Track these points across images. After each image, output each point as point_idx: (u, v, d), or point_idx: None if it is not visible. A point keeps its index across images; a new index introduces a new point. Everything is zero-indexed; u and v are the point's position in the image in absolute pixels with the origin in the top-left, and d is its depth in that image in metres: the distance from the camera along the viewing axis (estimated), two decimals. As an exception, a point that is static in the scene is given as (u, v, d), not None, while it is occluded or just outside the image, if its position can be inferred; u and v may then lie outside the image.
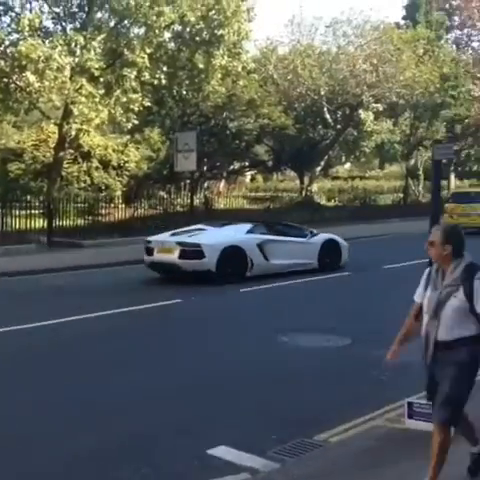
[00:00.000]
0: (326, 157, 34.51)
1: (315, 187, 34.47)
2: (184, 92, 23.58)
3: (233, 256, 13.39)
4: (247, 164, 34.99)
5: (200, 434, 5.53)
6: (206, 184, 31.26)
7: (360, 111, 30.95)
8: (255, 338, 9.01)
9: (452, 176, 41.42)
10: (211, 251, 13.17)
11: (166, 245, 13.74)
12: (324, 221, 25.95)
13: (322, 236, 15.31)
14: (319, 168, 34.44)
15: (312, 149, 33.17)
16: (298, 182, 36.78)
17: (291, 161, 35.06)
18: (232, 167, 34.22)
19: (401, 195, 36.66)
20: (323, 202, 34.02)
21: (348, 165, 51.41)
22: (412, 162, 37.57)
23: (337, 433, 5.53)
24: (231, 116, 26.86)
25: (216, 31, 21.10)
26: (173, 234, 14.33)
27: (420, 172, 37.47)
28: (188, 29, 21.09)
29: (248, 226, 14.50)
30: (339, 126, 32.28)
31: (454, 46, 40.32)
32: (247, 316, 10.69)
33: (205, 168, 29.71)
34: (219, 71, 22.16)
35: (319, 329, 9.41)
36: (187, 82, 22.33)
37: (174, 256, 13.32)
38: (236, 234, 14.06)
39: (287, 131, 29.16)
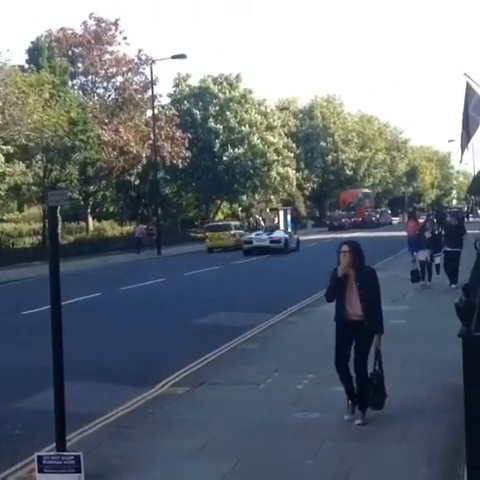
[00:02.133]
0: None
1: None
2: None
3: (287, 241, 32.81)
4: None
5: None
6: None
7: (-11, 153, 29.92)
8: None
9: (90, 218, 42.48)
10: (283, 239, 32.64)
11: (262, 239, 32.70)
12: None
13: (295, 236, 35.76)
14: None
15: None
16: None
17: None
18: None
19: (40, 238, 36.22)
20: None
21: (-16, 208, 49.05)
22: (49, 204, 37.42)
23: None
24: None
25: None
26: (257, 234, 34.20)
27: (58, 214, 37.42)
28: None
29: (282, 231, 35.11)
30: (-34, 169, 30.72)
31: (81, 92, 41.46)
32: None
33: None
34: None
35: None
36: None
37: (267, 243, 32.20)
38: (282, 233, 33.96)
39: None
